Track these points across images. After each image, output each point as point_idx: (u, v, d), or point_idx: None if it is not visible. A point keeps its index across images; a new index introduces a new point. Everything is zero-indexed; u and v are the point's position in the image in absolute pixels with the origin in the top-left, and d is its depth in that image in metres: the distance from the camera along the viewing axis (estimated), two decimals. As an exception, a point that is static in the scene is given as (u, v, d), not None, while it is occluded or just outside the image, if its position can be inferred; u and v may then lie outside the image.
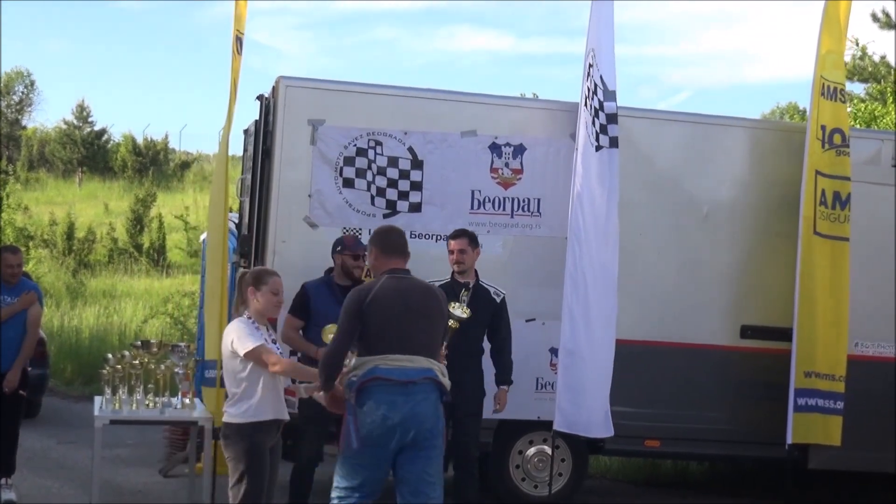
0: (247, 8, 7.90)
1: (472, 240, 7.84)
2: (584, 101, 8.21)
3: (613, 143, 8.17)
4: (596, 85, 8.13)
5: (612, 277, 8.04)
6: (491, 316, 7.82)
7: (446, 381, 5.93)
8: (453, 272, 7.82)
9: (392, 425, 5.71)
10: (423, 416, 5.76)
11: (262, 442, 6.21)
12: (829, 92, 8.68)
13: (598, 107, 8.10)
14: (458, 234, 7.86)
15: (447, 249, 7.85)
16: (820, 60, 8.70)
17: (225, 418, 6.28)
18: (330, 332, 6.61)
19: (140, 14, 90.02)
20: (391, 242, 6.11)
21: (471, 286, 7.77)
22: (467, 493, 7.83)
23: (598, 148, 8.09)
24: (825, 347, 8.55)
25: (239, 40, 7.84)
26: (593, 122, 8.11)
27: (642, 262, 8.70)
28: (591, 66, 8.19)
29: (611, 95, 8.15)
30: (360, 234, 8.12)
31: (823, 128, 8.62)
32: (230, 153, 8.60)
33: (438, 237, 8.24)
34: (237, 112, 7.69)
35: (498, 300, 7.86)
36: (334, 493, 5.88)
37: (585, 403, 8.01)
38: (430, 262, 8.02)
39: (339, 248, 7.69)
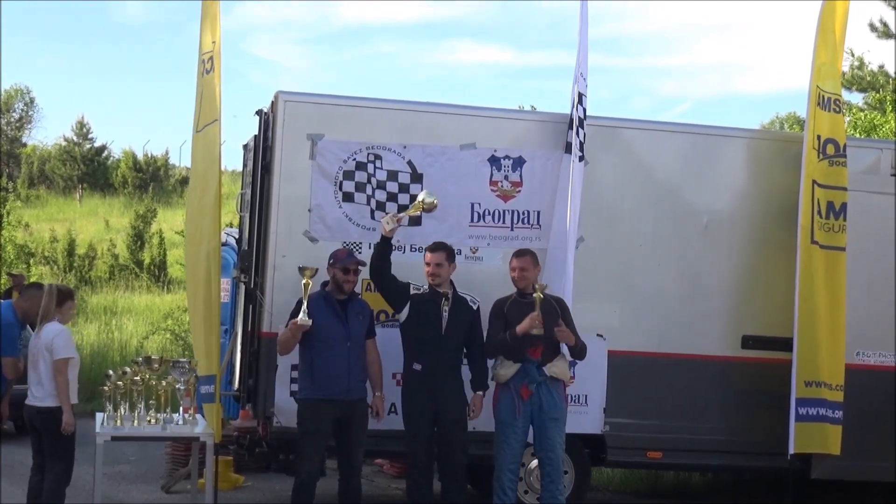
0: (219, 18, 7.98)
1: (450, 254, 7.84)
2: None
3: (568, 148, 8.34)
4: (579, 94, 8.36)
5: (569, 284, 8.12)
6: (469, 324, 7.85)
7: None
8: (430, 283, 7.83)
9: None
10: None
11: None
12: (825, 102, 8.69)
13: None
14: (437, 247, 7.86)
15: (424, 261, 7.83)
16: (816, 71, 8.71)
17: None
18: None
19: (139, 29, 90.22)
20: None
21: (450, 296, 7.79)
22: (455, 499, 7.82)
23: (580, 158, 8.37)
24: (827, 357, 8.54)
25: (210, 59, 7.88)
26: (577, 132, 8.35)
27: (643, 273, 8.70)
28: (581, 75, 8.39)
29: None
30: (359, 248, 8.12)
31: (819, 138, 8.63)
32: (229, 168, 8.62)
33: (439, 250, 8.22)
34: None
35: (475, 308, 7.90)
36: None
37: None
38: (430, 276, 8.04)
39: (331, 261, 7.68)
